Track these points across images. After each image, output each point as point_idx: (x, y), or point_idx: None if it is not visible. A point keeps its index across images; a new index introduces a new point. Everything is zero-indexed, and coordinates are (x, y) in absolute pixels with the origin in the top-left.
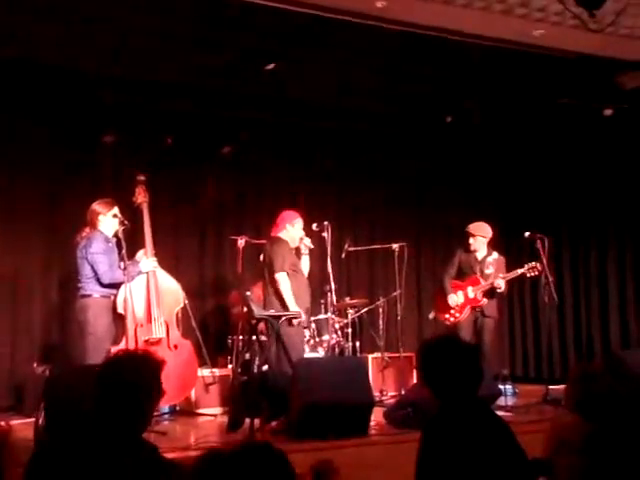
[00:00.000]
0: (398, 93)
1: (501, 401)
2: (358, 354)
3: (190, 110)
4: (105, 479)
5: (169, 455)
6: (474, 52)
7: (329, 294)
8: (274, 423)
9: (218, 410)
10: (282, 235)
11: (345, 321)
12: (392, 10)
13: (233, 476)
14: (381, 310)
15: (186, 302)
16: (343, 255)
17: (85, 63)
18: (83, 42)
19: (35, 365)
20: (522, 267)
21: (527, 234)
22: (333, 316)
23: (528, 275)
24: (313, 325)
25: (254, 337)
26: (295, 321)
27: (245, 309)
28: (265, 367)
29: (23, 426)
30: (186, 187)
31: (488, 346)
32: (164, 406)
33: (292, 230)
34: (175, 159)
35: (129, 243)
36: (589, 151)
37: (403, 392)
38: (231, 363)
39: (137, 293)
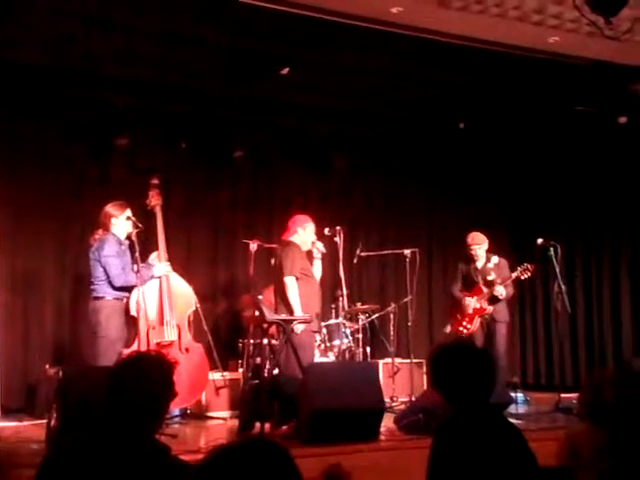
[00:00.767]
0: (412, 99)
1: (512, 409)
2: (369, 359)
3: (203, 114)
4: (117, 478)
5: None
6: (488, 58)
7: (340, 299)
8: (284, 427)
9: (228, 414)
10: (293, 239)
11: (356, 326)
12: (407, 16)
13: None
14: (392, 316)
15: (198, 305)
16: (355, 260)
17: (100, 66)
18: (97, 45)
19: (47, 367)
20: (515, 271)
21: (540, 241)
22: (344, 321)
23: (522, 277)
24: (324, 330)
25: (265, 341)
26: (297, 328)
27: (257, 313)
28: (276, 371)
29: (35, 427)
30: (199, 190)
31: (501, 351)
32: (175, 409)
33: (304, 234)
34: (188, 162)
35: (142, 246)
36: (603, 158)
37: (414, 398)
38: (242, 367)
39: (150, 296)
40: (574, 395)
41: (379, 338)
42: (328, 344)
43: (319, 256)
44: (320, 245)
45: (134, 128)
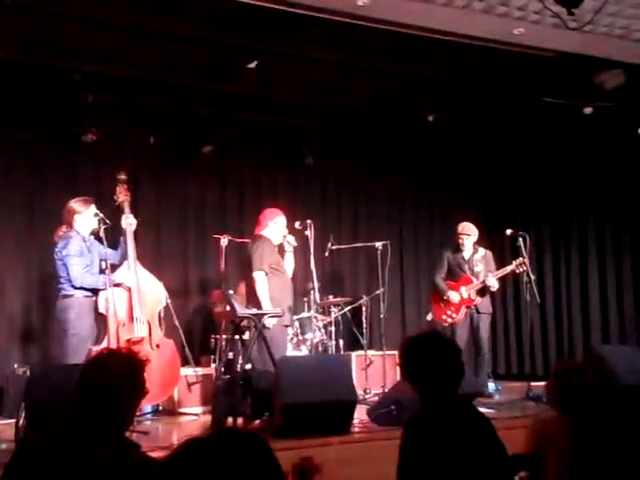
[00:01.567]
0: (381, 92)
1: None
2: (341, 352)
3: (172, 108)
4: (87, 478)
5: (151, 454)
6: (454, 51)
7: (312, 292)
8: (257, 422)
9: (201, 409)
10: (265, 233)
11: (328, 319)
12: (373, 8)
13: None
14: (364, 308)
15: (168, 301)
16: (326, 253)
17: (66, 61)
18: (64, 40)
19: (16, 366)
20: (510, 264)
21: (509, 232)
22: (316, 314)
23: (517, 271)
24: (296, 323)
25: (237, 336)
26: (269, 322)
27: (228, 308)
28: (248, 366)
29: (4, 427)
30: (168, 185)
31: (486, 343)
32: (147, 405)
33: (275, 227)
34: (157, 158)
35: (108, 242)
36: (570, 149)
37: (387, 390)
38: (214, 362)
39: (119, 293)
40: (544, 384)
41: (351, 331)
42: (300, 337)
43: (291, 249)
44: (291, 239)
45: (102, 123)
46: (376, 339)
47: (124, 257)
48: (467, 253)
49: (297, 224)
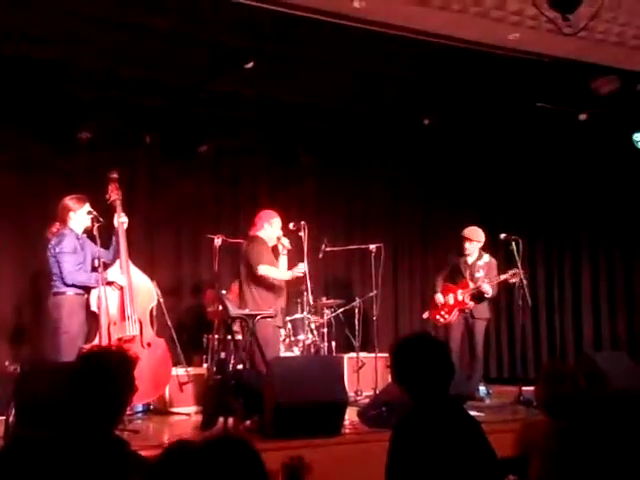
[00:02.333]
0: (377, 94)
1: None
2: (334, 354)
3: (168, 107)
4: (76, 474)
5: (142, 453)
6: (450, 55)
7: (305, 293)
8: (248, 422)
9: (192, 409)
10: (260, 234)
11: (321, 321)
12: (369, 11)
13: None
14: (357, 310)
15: (160, 300)
16: (320, 255)
17: (62, 58)
18: (61, 36)
19: (7, 363)
20: (505, 273)
21: (502, 236)
22: (309, 316)
23: (510, 281)
24: (289, 325)
25: (229, 336)
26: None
27: (220, 308)
28: (240, 366)
29: None
30: (163, 185)
31: (479, 348)
32: (138, 404)
33: (270, 229)
34: (152, 157)
35: (100, 241)
36: (564, 155)
37: (378, 392)
38: (206, 362)
39: (110, 291)
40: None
41: (344, 333)
42: (293, 339)
43: (285, 252)
44: (286, 241)
45: (98, 121)
46: (368, 341)
47: (116, 256)
48: (471, 258)
49: (291, 225)
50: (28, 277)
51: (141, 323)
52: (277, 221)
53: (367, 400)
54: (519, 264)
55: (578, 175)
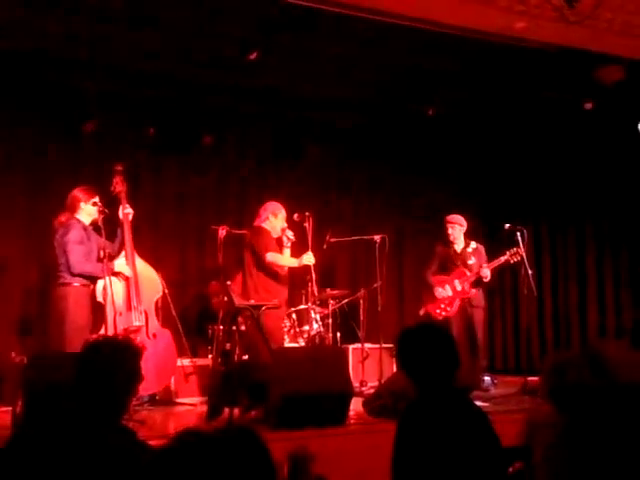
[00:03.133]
0: (380, 85)
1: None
2: (339, 345)
3: (172, 99)
4: (83, 463)
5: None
6: (456, 44)
7: (310, 284)
8: (253, 412)
9: (197, 400)
10: (264, 225)
11: (326, 312)
12: (374, 0)
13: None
14: (362, 301)
15: (166, 291)
16: (325, 246)
17: (67, 51)
18: (66, 30)
19: (13, 354)
20: (504, 254)
21: (507, 226)
22: (314, 306)
23: (512, 261)
24: (294, 315)
25: (234, 327)
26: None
27: (225, 299)
28: (245, 357)
29: (1, 414)
30: (168, 176)
31: (480, 336)
32: (143, 395)
33: (274, 221)
34: (156, 149)
35: (105, 233)
36: (569, 144)
37: (382, 382)
38: (211, 353)
39: (116, 282)
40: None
41: (349, 323)
42: (298, 329)
43: (288, 245)
44: (290, 233)
45: (102, 114)
46: (373, 332)
47: (121, 248)
48: (458, 246)
49: (295, 216)
50: (34, 268)
51: (147, 314)
52: (282, 213)
53: (372, 391)
54: (524, 254)
55: (583, 165)
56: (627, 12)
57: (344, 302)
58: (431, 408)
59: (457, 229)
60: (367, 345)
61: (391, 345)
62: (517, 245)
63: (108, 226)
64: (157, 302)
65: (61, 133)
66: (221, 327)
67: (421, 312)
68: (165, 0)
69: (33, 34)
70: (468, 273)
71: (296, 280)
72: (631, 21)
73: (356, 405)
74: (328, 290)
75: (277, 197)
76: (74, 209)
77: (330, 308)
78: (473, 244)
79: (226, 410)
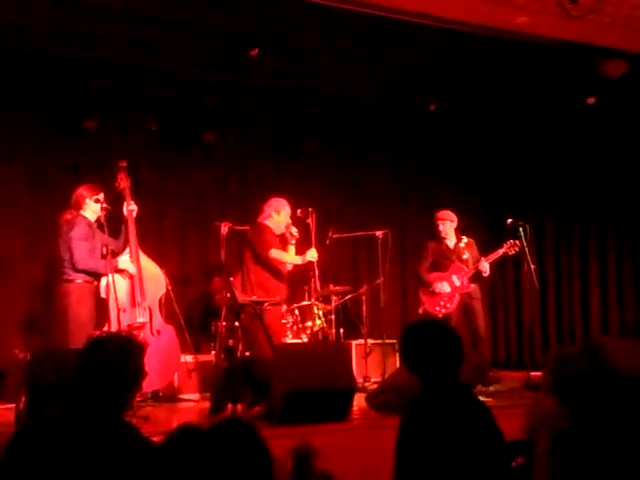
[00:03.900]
0: (382, 80)
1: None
2: (342, 340)
3: (174, 96)
4: (86, 459)
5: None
6: (457, 39)
7: (313, 280)
8: (256, 408)
9: (201, 396)
10: (267, 222)
11: (329, 307)
12: None
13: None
14: (364, 297)
15: (169, 287)
16: (327, 242)
17: (69, 48)
18: (67, 27)
19: (17, 351)
20: (502, 247)
21: (509, 221)
22: (317, 303)
23: (510, 253)
24: (296, 311)
25: (237, 323)
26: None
27: (228, 295)
28: (248, 353)
29: (5, 411)
30: (170, 173)
31: (482, 329)
32: (147, 391)
33: (277, 218)
34: (158, 145)
35: (108, 230)
36: (572, 139)
37: (385, 378)
38: (214, 349)
39: (120, 278)
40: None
41: (352, 319)
42: (301, 326)
43: (293, 241)
44: (294, 230)
45: (104, 111)
46: (376, 328)
47: (125, 244)
48: (451, 242)
49: (298, 212)
50: (38, 265)
51: (151, 310)
52: (286, 210)
53: (375, 386)
54: (526, 249)
55: (586, 159)
56: (630, 6)
57: (347, 298)
58: (435, 403)
59: (448, 225)
60: (370, 341)
61: (394, 341)
62: (520, 240)
63: (112, 223)
64: (161, 298)
65: (63, 130)
66: (224, 323)
67: (420, 311)
68: None
69: (34, 32)
70: (466, 268)
71: (299, 276)
72: (634, 15)
73: (359, 401)
74: (331, 286)
75: (279, 193)
76: (79, 206)
77: (333, 304)
78: (465, 239)
79: (229, 406)
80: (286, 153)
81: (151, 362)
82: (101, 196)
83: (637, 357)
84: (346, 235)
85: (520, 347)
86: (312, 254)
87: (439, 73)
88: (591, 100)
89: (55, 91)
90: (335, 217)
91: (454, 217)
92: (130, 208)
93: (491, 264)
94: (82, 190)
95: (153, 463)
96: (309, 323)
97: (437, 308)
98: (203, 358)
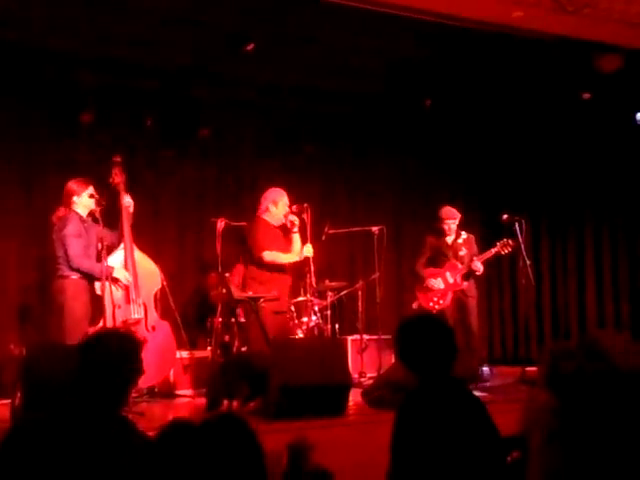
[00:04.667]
0: (378, 76)
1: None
2: (337, 336)
3: (169, 91)
4: (82, 454)
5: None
6: (453, 34)
7: (308, 276)
8: (252, 404)
9: (196, 392)
10: (264, 216)
11: (324, 303)
12: None
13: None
14: (360, 292)
15: (164, 283)
16: (323, 237)
17: (64, 43)
18: (61, 22)
19: (12, 346)
20: (495, 246)
21: (505, 216)
22: (312, 298)
23: (503, 252)
24: (292, 307)
25: (233, 319)
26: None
27: (224, 291)
28: (244, 349)
29: (0, 407)
30: (165, 168)
31: (475, 326)
32: (142, 387)
33: (275, 210)
34: (154, 140)
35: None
36: (566, 134)
37: (381, 373)
38: (210, 345)
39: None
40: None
41: (347, 315)
42: (296, 321)
43: (295, 230)
44: (294, 218)
45: (99, 105)
46: (372, 323)
47: (121, 239)
48: (450, 238)
49: (294, 207)
50: (33, 260)
51: (146, 306)
52: (283, 200)
53: (371, 381)
54: (522, 245)
55: (581, 155)
56: (625, 1)
57: (342, 293)
58: (430, 398)
59: (455, 223)
60: (366, 336)
61: (390, 336)
62: (514, 236)
63: (108, 218)
64: (156, 294)
65: (58, 125)
66: (220, 319)
67: (414, 305)
68: None
69: (30, 27)
70: (460, 266)
71: (294, 272)
72: (629, 10)
73: (355, 396)
74: (327, 282)
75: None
76: (69, 202)
77: (329, 300)
78: (464, 234)
79: (225, 402)
80: (282, 149)
81: (146, 358)
82: (92, 190)
83: (633, 352)
84: (342, 231)
85: (516, 342)
86: (308, 249)
87: (435, 69)
88: (586, 95)
89: (49, 86)
90: (331, 212)
91: (458, 214)
92: (126, 203)
93: (484, 262)
94: (70, 185)
95: (146, 458)
96: (305, 319)
97: (431, 304)
98: (199, 354)
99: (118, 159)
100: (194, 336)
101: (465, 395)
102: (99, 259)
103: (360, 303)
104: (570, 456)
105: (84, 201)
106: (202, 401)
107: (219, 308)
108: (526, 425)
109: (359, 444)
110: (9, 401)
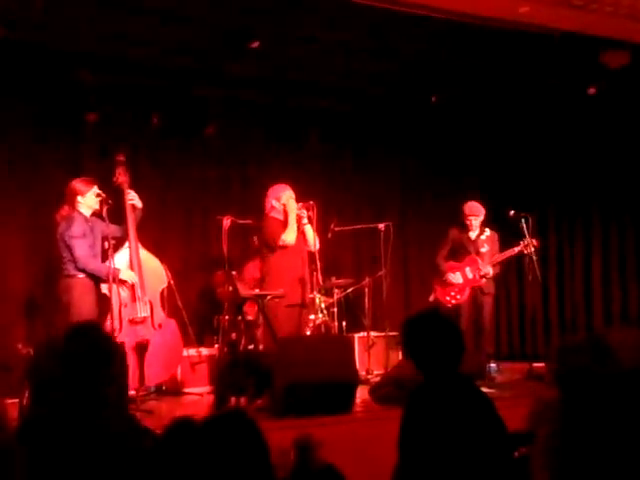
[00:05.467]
0: (383, 72)
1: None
2: (344, 333)
3: (174, 89)
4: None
5: None
6: (459, 30)
7: (315, 273)
8: (259, 401)
9: (204, 389)
10: (272, 214)
11: (331, 300)
12: None
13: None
14: (367, 290)
15: (171, 282)
16: (329, 235)
17: (69, 42)
18: (66, 20)
19: (20, 346)
20: (518, 245)
21: (512, 212)
22: (319, 296)
23: (525, 252)
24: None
25: (240, 317)
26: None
27: (230, 289)
28: (251, 346)
29: (9, 406)
30: (171, 166)
31: (488, 324)
32: (150, 385)
33: (279, 205)
34: (160, 138)
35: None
36: (574, 129)
37: (388, 370)
38: (217, 343)
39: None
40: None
41: (354, 312)
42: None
43: (305, 221)
44: (303, 212)
45: (104, 104)
46: (378, 320)
47: (126, 237)
48: (473, 233)
49: (299, 205)
50: (40, 260)
51: (152, 305)
52: (286, 193)
53: (378, 379)
54: (530, 241)
55: (588, 150)
56: None
57: (349, 291)
58: (437, 394)
59: (479, 220)
60: (373, 333)
61: (397, 333)
62: (522, 232)
63: (114, 217)
64: (162, 292)
65: (62, 124)
66: (227, 317)
67: (430, 298)
68: None
69: (33, 26)
70: (480, 262)
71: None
72: (636, 5)
73: (362, 393)
74: (333, 279)
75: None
76: (73, 201)
77: (335, 297)
78: (487, 231)
79: (233, 399)
80: (288, 146)
81: (153, 356)
82: (96, 188)
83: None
84: (348, 228)
85: (522, 338)
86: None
87: (441, 65)
88: (592, 90)
89: (54, 85)
90: (337, 210)
91: (482, 210)
92: (131, 198)
93: (505, 261)
94: (75, 185)
95: (152, 455)
96: (312, 316)
97: (447, 298)
98: (206, 352)
99: (122, 158)
100: (201, 334)
101: (472, 391)
102: (105, 257)
103: (367, 300)
104: (576, 452)
105: (88, 201)
106: (210, 399)
107: (226, 306)
108: (534, 421)
109: (367, 441)
110: (17, 400)
